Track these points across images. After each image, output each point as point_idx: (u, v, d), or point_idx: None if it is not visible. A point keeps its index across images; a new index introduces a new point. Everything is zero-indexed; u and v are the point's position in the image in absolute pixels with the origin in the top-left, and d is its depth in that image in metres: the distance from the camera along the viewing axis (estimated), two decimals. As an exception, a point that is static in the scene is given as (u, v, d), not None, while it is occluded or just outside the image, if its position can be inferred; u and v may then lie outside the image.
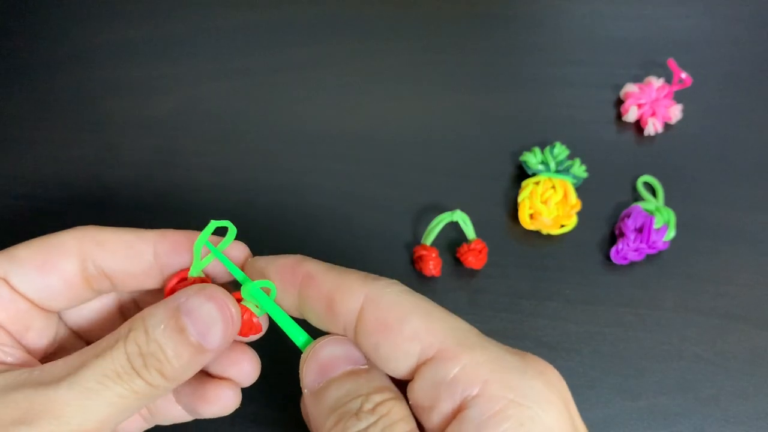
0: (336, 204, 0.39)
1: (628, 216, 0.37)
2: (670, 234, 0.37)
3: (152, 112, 0.43)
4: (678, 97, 0.42)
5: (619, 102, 0.43)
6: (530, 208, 0.38)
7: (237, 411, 0.27)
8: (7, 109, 0.43)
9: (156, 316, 0.23)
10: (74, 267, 0.25)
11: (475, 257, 0.36)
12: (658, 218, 0.37)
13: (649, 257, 0.38)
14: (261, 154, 0.42)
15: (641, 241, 0.36)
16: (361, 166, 0.41)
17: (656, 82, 0.42)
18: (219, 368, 0.27)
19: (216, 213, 0.39)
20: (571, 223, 0.38)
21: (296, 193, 0.40)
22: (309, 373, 0.24)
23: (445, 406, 0.21)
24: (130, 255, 0.26)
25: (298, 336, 0.25)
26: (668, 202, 0.39)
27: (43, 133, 0.42)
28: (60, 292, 0.25)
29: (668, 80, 0.43)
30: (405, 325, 0.22)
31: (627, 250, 0.37)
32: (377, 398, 0.22)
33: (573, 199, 0.38)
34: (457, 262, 0.37)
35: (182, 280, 0.26)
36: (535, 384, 0.21)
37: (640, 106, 0.42)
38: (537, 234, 0.38)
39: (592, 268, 0.38)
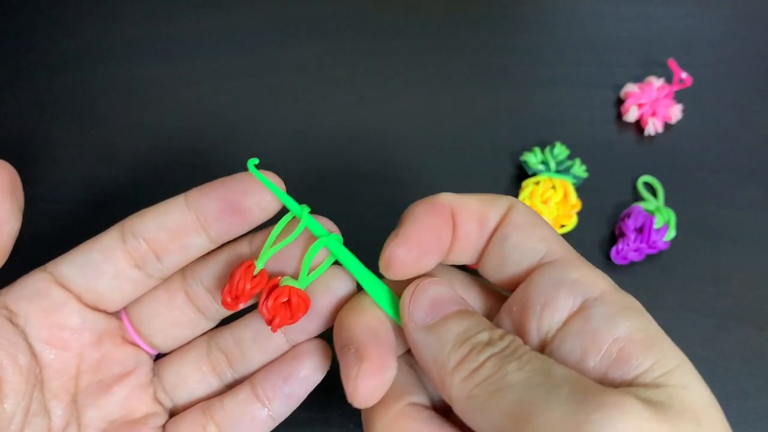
0: (336, 203, 0.39)
1: (629, 216, 0.37)
2: (671, 234, 0.37)
3: (152, 112, 0.43)
4: (678, 97, 0.42)
5: (620, 102, 0.43)
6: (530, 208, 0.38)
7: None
8: (7, 109, 0.43)
9: None
10: (120, 254, 0.25)
11: (475, 257, 0.36)
12: (659, 218, 0.37)
13: (649, 257, 0.38)
14: (261, 154, 0.41)
15: (641, 241, 0.36)
16: (361, 166, 0.41)
17: (656, 82, 0.42)
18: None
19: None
20: (571, 223, 0.38)
21: (296, 194, 0.40)
22: (419, 309, 0.24)
23: (564, 303, 0.23)
24: (160, 213, 0.25)
25: (376, 287, 0.25)
26: (668, 202, 0.39)
27: (43, 133, 0.42)
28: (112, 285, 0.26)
29: (668, 80, 0.43)
30: (537, 228, 0.24)
31: (627, 250, 0.37)
32: (499, 330, 0.23)
33: (573, 199, 0.38)
34: (458, 262, 0.37)
35: (248, 268, 0.25)
36: (637, 303, 0.23)
37: (640, 106, 0.42)
38: (537, 234, 0.38)
39: (593, 268, 0.38)
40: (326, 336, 0.27)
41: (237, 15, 0.47)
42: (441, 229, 0.24)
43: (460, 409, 0.22)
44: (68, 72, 0.44)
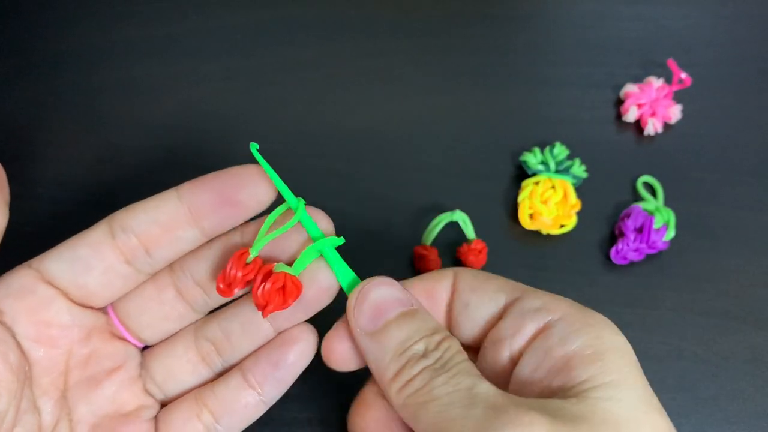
0: (336, 204, 0.39)
1: (628, 216, 0.37)
2: (670, 234, 0.37)
3: (152, 112, 0.43)
4: (678, 97, 0.42)
5: (619, 102, 0.43)
6: (530, 208, 0.38)
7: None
8: (7, 109, 0.43)
9: None
10: (110, 246, 0.25)
11: (475, 257, 0.36)
12: (658, 218, 0.37)
13: (648, 257, 0.38)
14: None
15: (641, 241, 0.36)
16: (361, 166, 0.41)
17: (656, 82, 0.42)
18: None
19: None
20: (571, 223, 0.38)
21: (296, 193, 0.40)
22: (362, 315, 0.25)
23: (530, 328, 0.25)
24: (151, 207, 0.26)
25: (345, 276, 0.26)
26: (668, 202, 0.39)
27: (43, 133, 0.42)
28: (102, 280, 0.26)
29: (668, 80, 0.43)
30: (489, 283, 0.26)
31: (627, 250, 0.37)
32: (437, 338, 0.24)
33: (573, 199, 0.38)
34: (457, 262, 0.37)
35: (242, 255, 0.25)
36: (603, 321, 0.25)
37: (640, 106, 0.42)
38: (537, 234, 0.38)
39: (592, 268, 0.38)
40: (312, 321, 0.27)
41: (237, 15, 0.47)
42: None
43: (400, 414, 0.24)
44: (68, 72, 0.44)
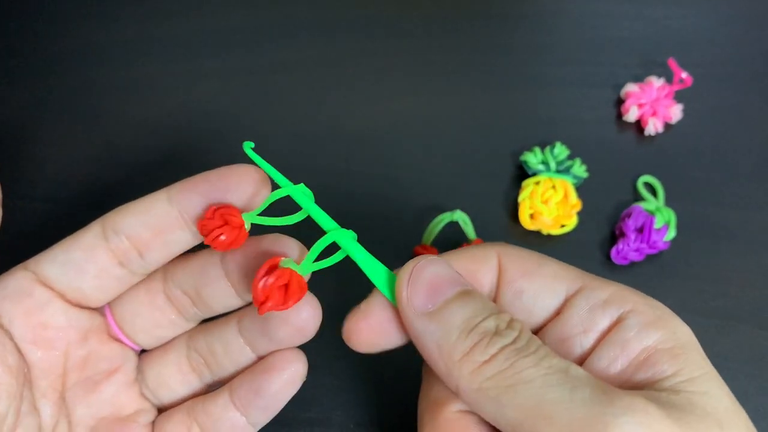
0: (336, 204, 0.39)
1: (629, 216, 0.37)
2: (671, 234, 0.37)
3: (152, 112, 0.43)
4: (678, 97, 0.42)
5: (620, 102, 0.43)
6: (530, 208, 0.38)
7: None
8: (7, 109, 0.43)
9: None
10: (102, 247, 0.25)
11: (475, 257, 0.36)
12: (659, 218, 0.37)
13: (649, 257, 0.38)
14: (260, 154, 0.41)
15: (642, 241, 0.36)
16: (361, 166, 0.41)
17: (657, 82, 0.42)
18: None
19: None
20: (572, 223, 0.38)
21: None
22: (417, 295, 0.23)
23: (602, 323, 0.23)
24: (141, 209, 0.25)
25: (378, 272, 0.24)
26: (669, 202, 0.39)
27: (43, 133, 0.42)
28: (95, 282, 0.25)
29: (669, 80, 0.43)
30: (544, 268, 0.24)
31: (627, 250, 0.37)
32: (506, 317, 0.22)
33: (573, 199, 0.38)
34: (458, 262, 0.37)
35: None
36: (671, 314, 0.24)
37: (640, 105, 0.42)
38: (537, 234, 0.38)
39: (593, 268, 0.37)
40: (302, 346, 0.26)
41: (236, 15, 0.47)
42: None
43: (468, 400, 0.22)
44: (68, 72, 0.44)
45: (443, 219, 0.37)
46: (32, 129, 0.43)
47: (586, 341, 0.23)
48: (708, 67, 0.44)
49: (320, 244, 0.24)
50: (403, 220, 0.39)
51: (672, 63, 0.42)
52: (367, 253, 0.24)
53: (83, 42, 0.46)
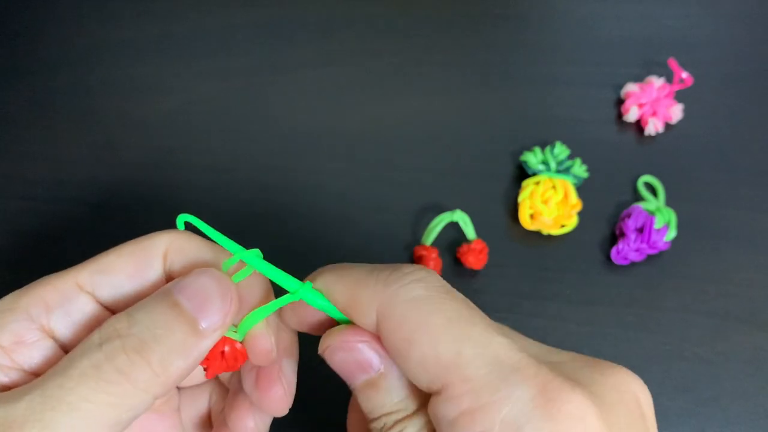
0: (336, 204, 0.39)
1: (629, 216, 0.37)
2: (671, 234, 0.37)
3: (152, 112, 0.43)
4: (679, 97, 0.42)
5: (620, 102, 0.43)
6: (531, 208, 0.38)
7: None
8: (7, 109, 0.43)
9: (142, 302, 0.21)
10: (159, 270, 0.23)
11: (475, 257, 0.36)
12: (659, 218, 0.37)
13: (649, 257, 0.37)
14: (260, 154, 0.42)
15: (642, 241, 0.36)
16: (361, 166, 0.41)
17: (657, 82, 0.42)
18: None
19: (215, 213, 0.39)
20: (572, 223, 0.38)
21: (296, 194, 0.40)
22: (337, 370, 0.23)
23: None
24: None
25: (286, 281, 0.23)
26: (669, 202, 0.39)
27: (43, 133, 0.42)
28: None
29: (669, 80, 0.43)
30: (413, 349, 0.20)
31: (628, 250, 0.37)
32: (394, 417, 0.22)
33: (573, 199, 0.38)
34: (457, 262, 0.37)
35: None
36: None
37: (640, 105, 0.42)
38: (537, 234, 0.38)
39: (593, 269, 0.38)
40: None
41: (236, 15, 0.47)
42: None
43: None
44: (68, 72, 0.44)
45: (443, 219, 0.37)
46: (32, 129, 0.43)
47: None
48: (708, 67, 0.44)
49: (259, 313, 0.23)
50: (403, 220, 0.39)
51: (672, 63, 0.42)
52: (279, 270, 0.23)
53: (84, 42, 0.46)
